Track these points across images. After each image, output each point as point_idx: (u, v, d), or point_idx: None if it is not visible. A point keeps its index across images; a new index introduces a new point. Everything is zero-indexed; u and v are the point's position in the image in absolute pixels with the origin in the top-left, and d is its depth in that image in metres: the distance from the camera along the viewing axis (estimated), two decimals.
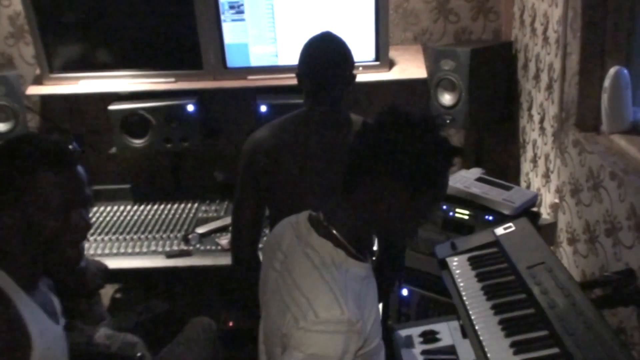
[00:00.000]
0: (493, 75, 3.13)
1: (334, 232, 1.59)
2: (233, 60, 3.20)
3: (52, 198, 1.56)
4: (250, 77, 3.19)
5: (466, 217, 2.54)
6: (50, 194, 1.56)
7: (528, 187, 3.04)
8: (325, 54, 2.18)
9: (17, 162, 1.56)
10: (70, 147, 1.62)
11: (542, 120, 2.81)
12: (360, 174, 1.56)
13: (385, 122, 1.56)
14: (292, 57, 3.06)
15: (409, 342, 2.14)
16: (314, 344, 1.47)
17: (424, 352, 2.08)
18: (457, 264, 2.13)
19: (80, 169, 1.63)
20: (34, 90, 3.28)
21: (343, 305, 1.47)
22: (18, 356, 1.51)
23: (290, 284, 1.56)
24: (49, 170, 1.56)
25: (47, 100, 3.55)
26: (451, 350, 2.06)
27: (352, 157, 1.58)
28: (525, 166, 3.12)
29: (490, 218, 2.48)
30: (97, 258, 2.58)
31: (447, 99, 3.04)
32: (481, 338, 1.77)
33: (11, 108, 3.14)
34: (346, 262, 1.57)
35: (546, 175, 2.76)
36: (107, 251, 2.89)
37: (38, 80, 3.29)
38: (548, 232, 2.53)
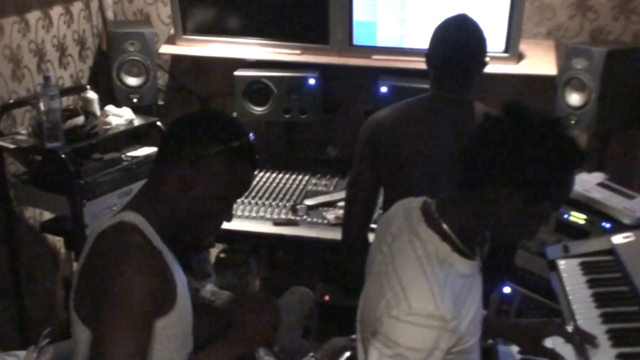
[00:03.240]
0: (627, 79, 2.98)
1: (444, 225, 1.57)
2: (360, 38, 3.20)
3: (223, 184, 1.62)
4: (375, 56, 3.18)
5: (582, 222, 2.45)
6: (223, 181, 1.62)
7: None
8: (461, 36, 2.15)
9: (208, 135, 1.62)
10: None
11: None
12: (479, 172, 1.51)
13: (507, 124, 1.50)
14: (419, 41, 3.04)
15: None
16: (402, 334, 1.47)
17: (522, 352, 2.03)
18: (568, 268, 2.08)
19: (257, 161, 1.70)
20: (166, 49, 3.42)
21: (439, 300, 1.46)
22: (168, 303, 1.56)
23: (391, 270, 1.56)
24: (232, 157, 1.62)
25: (177, 60, 3.69)
26: None
27: (471, 153, 1.53)
28: None
29: (608, 225, 2.38)
30: None
31: (575, 99, 2.92)
32: (587, 345, 1.71)
33: (144, 64, 3.29)
34: (450, 256, 1.55)
35: None
36: None
37: (171, 40, 3.43)
38: None
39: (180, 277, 1.63)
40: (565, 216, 2.49)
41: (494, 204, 1.50)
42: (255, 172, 3.30)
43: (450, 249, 1.56)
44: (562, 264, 2.09)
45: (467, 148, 1.55)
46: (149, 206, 1.62)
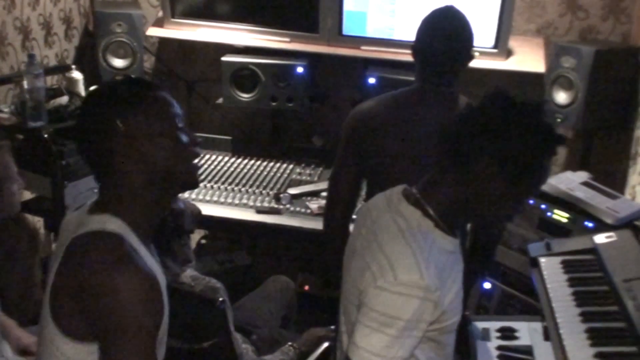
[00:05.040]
0: (615, 80, 2.99)
1: (424, 203, 1.59)
2: (349, 28, 3.19)
3: (148, 129, 1.52)
4: (364, 47, 3.17)
5: (564, 220, 2.45)
6: (144, 128, 1.52)
7: (633, 199, 2.91)
8: (448, 28, 2.14)
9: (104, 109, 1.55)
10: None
11: None
12: (460, 154, 1.55)
13: (490, 105, 1.55)
14: (408, 33, 3.03)
15: (485, 335, 2.10)
16: (387, 303, 1.48)
17: (499, 348, 2.04)
18: (549, 265, 2.09)
19: (161, 93, 1.58)
20: (154, 31, 3.39)
21: (424, 271, 1.48)
22: (161, 308, 1.50)
23: (375, 246, 1.58)
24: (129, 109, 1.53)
25: (164, 43, 3.66)
26: (528, 350, 2.01)
27: (454, 136, 1.57)
28: (634, 178, 2.98)
29: (590, 225, 2.39)
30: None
31: (562, 97, 2.93)
32: (564, 343, 1.73)
33: (130, 46, 3.25)
34: (433, 232, 1.57)
35: None
36: (200, 197, 2.96)
37: (159, 23, 3.39)
38: None
39: (159, 273, 1.57)
40: (549, 214, 2.50)
41: (473, 184, 1.54)
42: (240, 159, 3.31)
43: (433, 224, 1.58)
44: (543, 261, 2.10)
45: (451, 127, 1.59)
46: (121, 205, 1.53)
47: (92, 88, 1.70)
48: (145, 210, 1.56)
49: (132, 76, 1.66)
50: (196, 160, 1.62)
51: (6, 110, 2.78)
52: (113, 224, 1.50)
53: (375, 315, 1.49)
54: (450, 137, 1.58)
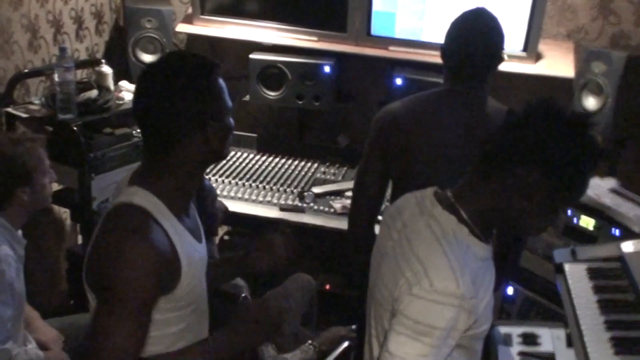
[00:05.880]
0: None
1: (460, 209, 1.57)
2: (378, 28, 3.18)
3: (217, 114, 1.63)
4: (391, 47, 3.16)
5: (591, 227, 2.43)
6: (214, 112, 1.62)
7: None
8: (479, 29, 2.12)
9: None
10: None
11: None
12: (502, 161, 1.52)
13: (536, 114, 1.52)
14: (436, 34, 3.02)
15: (507, 340, 2.09)
16: (423, 311, 1.47)
17: (521, 353, 2.02)
18: (574, 272, 2.06)
19: (219, 79, 1.66)
20: (183, 27, 3.41)
21: (459, 278, 1.47)
22: (171, 281, 1.60)
23: (408, 251, 1.57)
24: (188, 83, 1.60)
25: (192, 39, 3.67)
26: (550, 357, 1.99)
27: (496, 142, 1.55)
28: None
29: (617, 232, 2.37)
30: None
31: (591, 102, 2.89)
32: (588, 350, 1.71)
33: (160, 42, 3.28)
34: (468, 238, 1.56)
35: None
36: (224, 193, 2.98)
37: (188, 19, 3.41)
38: None
39: (187, 249, 1.64)
40: (575, 220, 2.48)
41: (512, 192, 1.52)
42: (265, 157, 3.32)
43: (468, 230, 1.56)
44: (568, 267, 2.08)
45: (492, 137, 1.57)
46: (157, 179, 1.63)
47: (163, 59, 1.72)
48: (182, 185, 1.66)
49: (200, 55, 1.70)
50: None
51: (37, 102, 2.82)
52: (142, 197, 1.59)
53: (410, 324, 1.48)
54: (492, 143, 1.56)
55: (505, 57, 2.23)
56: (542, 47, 3.09)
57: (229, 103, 1.68)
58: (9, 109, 2.78)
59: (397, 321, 1.51)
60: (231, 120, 1.69)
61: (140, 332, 1.54)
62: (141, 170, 1.68)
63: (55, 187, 3.08)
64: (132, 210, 1.58)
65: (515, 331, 2.12)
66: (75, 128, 2.67)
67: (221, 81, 1.66)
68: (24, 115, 2.74)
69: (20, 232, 2.30)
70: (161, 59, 1.72)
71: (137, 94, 1.66)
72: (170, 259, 1.58)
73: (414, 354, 1.47)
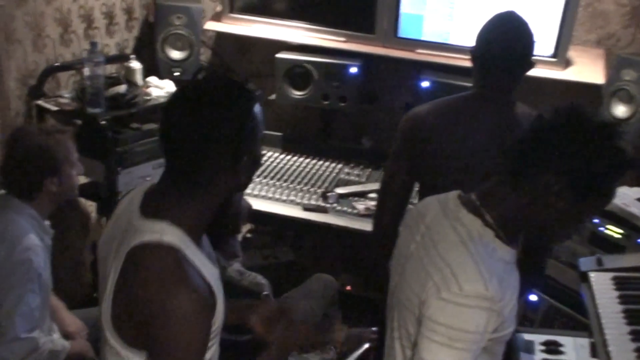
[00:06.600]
0: None
1: (484, 212, 1.56)
2: (405, 30, 3.17)
3: (252, 145, 1.51)
4: (419, 50, 3.15)
5: (618, 236, 2.41)
6: (250, 143, 1.50)
7: None
8: (509, 34, 2.10)
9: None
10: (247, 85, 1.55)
11: None
12: (529, 166, 1.52)
13: (565, 120, 1.51)
14: (465, 38, 3.00)
15: (529, 347, 2.07)
16: (453, 316, 1.47)
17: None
18: (600, 281, 2.04)
19: (258, 109, 1.56)
20: (211, 25, 3.42)
21: (488, 281, 1.46)
22: (212, 311, 1.52)
23: (434, 254, 1.56)
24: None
25: (220, 37, 3.69)
26: None
27: (523, 147, 1.54)
28: None
29: None
30: None
31: (620, 110, 2.86)
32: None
33: (188, 39, 3.29)
34: (494, 241, 1.55)
35: None
36: (248, 191, 2.98)
37: (217, 17, 3.43)
38: None
39: (214, 280, 1.55)
40: (601, 229, 2.45)
41: (539, 198, 1.50)
42: (289, 156, 3.33)
43: (493, 234, 1.55)
44: (594, 276, 2.05)
45: (520, 141, 1.55)
46: (180, 210, 1.50)
47: (201, 84, 1.54)
48: (203, 215, 1.55)
49: (239, 81, 1.57)
50: None
51: (67, 95, 2.86)
52: (171, 234, 1.47)
53: (441, 330, 1.47)
54: (519, 148, 1.55)
55: (535, 62, 2.22)
56: (572, 53, 3.06)
57: (262, 133, 1.58)
58: (40, 102, 2.82)
59: (427, 327, 1.50)
60: (261, 151, 1.61)
61: None
62: (157, 197, 1.55)
63: (82, 180, 3.11)
64: (165, 252, 1.45)
65: (538, 339, 2.10)
66: (103, 122, 2.69)
67: (259, 111, 1.55)
68: (54, 108, 2.78)
69: (47, 222, 2.33)
70: (198, 82, 1.53)
71: (168, 117, 1.49)
72: (209, 297, 1.50)
73: None
